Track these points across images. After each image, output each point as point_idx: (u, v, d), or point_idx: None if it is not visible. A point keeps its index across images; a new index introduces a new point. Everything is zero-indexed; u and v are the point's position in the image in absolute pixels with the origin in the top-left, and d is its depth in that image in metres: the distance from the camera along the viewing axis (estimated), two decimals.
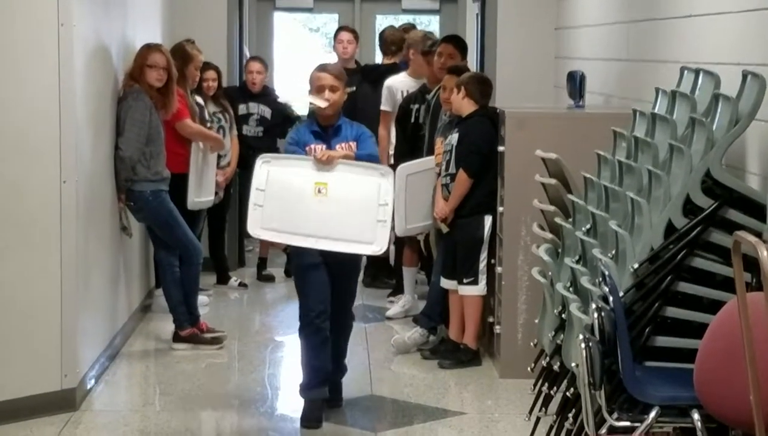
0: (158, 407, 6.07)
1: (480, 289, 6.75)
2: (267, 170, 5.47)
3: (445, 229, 6.85)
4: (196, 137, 7.50)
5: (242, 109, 8.93)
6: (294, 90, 10.96)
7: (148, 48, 6.98)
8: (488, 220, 6.73)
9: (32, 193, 5.62)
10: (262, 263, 9.19)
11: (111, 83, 6.85)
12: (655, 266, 4.31)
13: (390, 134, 8.24)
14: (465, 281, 6.75)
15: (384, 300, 8.47)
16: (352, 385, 6.41)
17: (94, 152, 6.35)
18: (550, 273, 5.29)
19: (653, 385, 4.04)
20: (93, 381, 6.21)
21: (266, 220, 5.40)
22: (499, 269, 6.63)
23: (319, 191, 5.41)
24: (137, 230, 7.34)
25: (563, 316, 4.99)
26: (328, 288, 5.66)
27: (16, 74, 5.52)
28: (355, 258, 5.82)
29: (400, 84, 8.19)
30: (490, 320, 6.89)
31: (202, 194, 7.71)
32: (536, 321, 5.50)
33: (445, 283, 6.94)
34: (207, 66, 8.30)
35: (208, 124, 7.95)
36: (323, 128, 5.72)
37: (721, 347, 3.69)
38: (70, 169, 5.75)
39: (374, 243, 5.41)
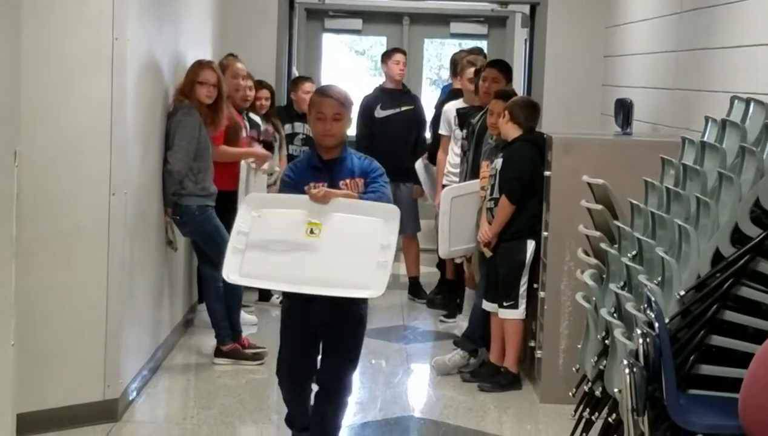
0: (198, 421, 6.10)
1: (520, 313, 6.75)
2: (252, 215, 4.80)
3: (488, 253, 6.86)
4: (235, 159, 7.49)
5: (288, 128, 8.99)
6: None
7: (200, 64, 7.05)
8: (530, 244, 6.73)
9: (81, 205, 5.68)
10: None
11: (161, 98, 6.92)
12: (702, 294, 4.29)
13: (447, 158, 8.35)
14: (505, 304, 6.75)
15: (424, 319, 8.48)
16: (391, 405, 6.43)
17: (143, 166, 6.42)
18: (594, 298, 5.29)
19: (697, 413, 4.02)
20: (135, 393, 6.25)
21: (245, 266, 4.71)
22: (542, 294, 6.62)
23: (312, 232, 4.70)
24: (182, 244, 7.39)
25: (606, 341, 4.98)
26: (312, 351, 4.98)
27: (70, 86, 5.59)
28: (356, 310, 4.91)
29: (453, 109, 8.31)
30: (532, 344, 6.87)
31: None
32: (578, 346, 5.49)
33: (487, 306, 6.94)
34: (261, 85, 8.41)
35: (273, 142, 8.12)
36: (325, 163, 4.91)
37: (766, 375, 3.67)
38: (119, 181, 5.81)
39: (371, 287, 4.63)
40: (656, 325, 4.09)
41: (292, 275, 4.62)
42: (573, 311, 6.38)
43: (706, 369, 4.29)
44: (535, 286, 6.77)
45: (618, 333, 4.51)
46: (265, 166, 7.78)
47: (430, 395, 6.79)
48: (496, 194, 6.77)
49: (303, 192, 4.77)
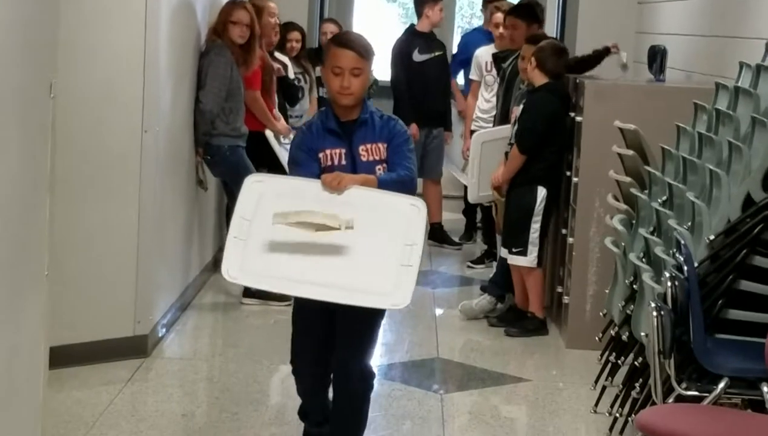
0: (226, 358, 6.16)
1: (529, 260, 6.75)
2: (258, 195, 4.13)
3: (497, 196, 6.89)
4: (258, 113, 7.42)
5: (318, 71, 8.98)
6: None
7: (233, 4, 7.04)
8: (541, 192, 6.72)
9: (114, 141, 5.70)
10: None
11: (194, 37, 6.93)
12: (731, 239, 4.30)
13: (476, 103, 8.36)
14: (514, 250, 6.77)
15: (450, 265, 8.51)
16: (418, 347, 6.48)
17: (175, 104, 6.44)
18: (623, 243, 5.29)
19: (723, 356, 4.04)
20: (164, 330, 6.31)
21: (248, 260, 4.00)
22: (570, 240, 6.62)
23: (324, 225, 3.97)
24: (212, 185, 7.43)
25: (634, 286, 4.99)
26: (329, 339, 4.32)
27: (104, 24, 5.61)
28: None
29: (485, 54, 8.30)
30: (559, 290, 6.89)
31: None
32: (606, 291, 5.51)
33: (503, 252, 6.98)
34: (292, 27, 8.39)
35: (294, 82, 8.07)
36: (342, 125, 4.25)
37: None
38: (152, 119, 5.84)
39: (394, 295, 3.91)
40: (685, 268, 4.10)
41: (301, 276, 3.95)
42: (601, 257, 6.38)
43: (734, 314, 4.30)
44: (564, 232, 6.78)
45: (646, 277, 4.52)
46: (286, 140, 7.81)
47: (456, 338, 6.83)
48: (512, 141, 6.79)
49: (317, 159, 4.18)
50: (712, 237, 4.32)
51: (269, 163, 7.50)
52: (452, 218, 9.56)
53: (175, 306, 6.62)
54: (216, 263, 7.90)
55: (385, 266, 3.92)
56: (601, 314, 5.58)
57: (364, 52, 4.19)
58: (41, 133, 3.79)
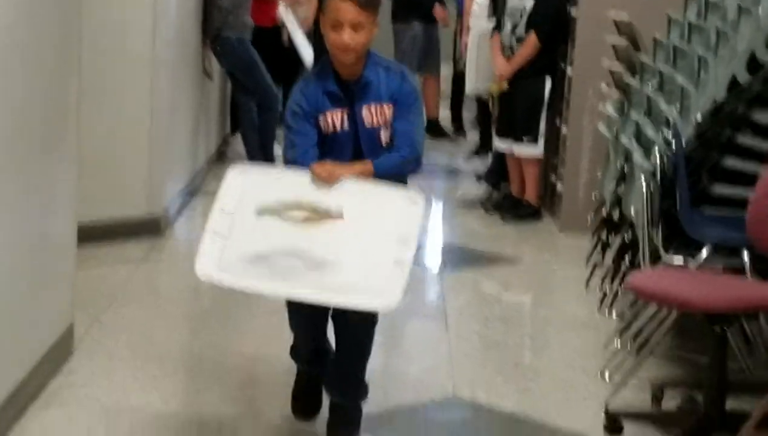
0: None
1: (538, 150, 7.01)
2: (242, 187, 3.67)
3: (503, 87, 7.08)
4: None
5: None
6: None
7: None
8: (548, 82, 6.96)
9: (128, 29, 5.92)
10: None
11: None
12: (717, 118, 4.55)
13: None
14: (525, 139, 7.00)
15: (447, 158, 8.78)
16: None
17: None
18: (615, 128, 5.56)
19: (707, 226, 4.32)
20: (175, 213, 6.59)
21: (227, 259, 3.55)
22: (564, 129, 6.89)
23: (310, 218, 3.62)
24: (216, 76, 7.67)
25: (625, 168, 5.26)
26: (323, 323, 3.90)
27: None
28: None
29: None
30: (553, 178, 7.17)
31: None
32: (598, 175, 5.78)
33: (498, 143, 7.22)
34: None
35: None
36: (343, 85, 3.74)
37: None
38: (162, 8, 6.05)
39: (384, 294, 3.51)
40: (673, 144, 4.36)
41: (285, 276, 3.53)
42: (594, 146, 6.65)
43: (718, 189, 4.57)
44: (558, 122, 7.03)
45: (637, 156, 4.79)
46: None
47: (453, 224, 7.13)
48: (519, 32, 6.97)
49: (316, 124, 3.72)
50: (699, 117, 4.56)
51: (272, 59, 7.74)
52: (449, 115, 9.82)
53: (184, 191, 6.89)
54: (220, 155, 8.18)
55: (375, 264, 3.54)
56: (593, 196, 5.87)
57: (365, 2, 3.64)
58: (72, 19, 4.01)
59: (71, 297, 4.52)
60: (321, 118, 3.71)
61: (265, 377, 4.48)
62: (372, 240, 3.59)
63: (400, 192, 3.66)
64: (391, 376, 4.57)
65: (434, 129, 9.41)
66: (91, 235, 5.83)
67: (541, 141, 7.00)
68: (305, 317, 3.80)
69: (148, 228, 6.14)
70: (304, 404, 3.95)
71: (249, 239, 3.56)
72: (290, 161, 3.72)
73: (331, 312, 3.78)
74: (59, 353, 4.29)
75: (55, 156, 4.24)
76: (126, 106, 5.98)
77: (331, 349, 3.93)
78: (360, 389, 3.90)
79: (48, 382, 4.12)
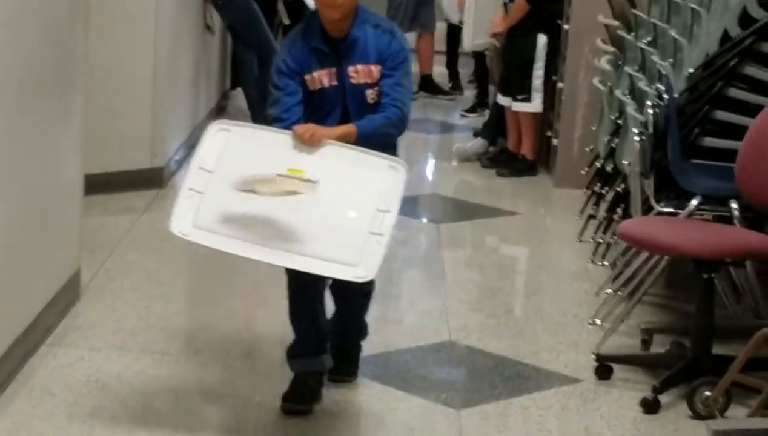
0: None
1: (534, 106, 7.12)
2: (222, 144, 3.61)
3: (496, 43, 7.18)
4: None
5: None
6: None
7: None
8: (542, 39, 7.05)
9: None
10: None
11: None
12: (709, 72, 4.66)
13: None
14: (518, 97, 7.12)
15: (443, 114, 8.89)
16: (415, 186, 6.90)
17: None
18: (609, 83, 5.67)
19: (697, 176, 4.44)
20: (177, 165, 6.70)
21: (203, 216, 3.52)
22: (560, 85, 6.99)
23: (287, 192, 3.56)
24: (217, 32, 7.76)
25: (619, 122, 5.38)
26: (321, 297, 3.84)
27: None
28: None
29: None
30: (548, 134, 7.28)
31: None
32: (593, 128, 5.90)
33: (500, 99, 7.34)
34: None
35: None
36: (331, 43, 3.70)
37: (760, 141, 4.08)
38: None
39: (359, 265, 3.46)
40: (665, 97, 4.48)
41: (260, 238, 3.49)
42: (589, 101, 6.75)
43: (709, 141, 4.68)
44: (554, 78, 7.14)
45: (630, 109, 4.90)
46: None
47: (451, 178, 7.25)
48: None
49: (302, 83, 3.69)
50: (691, 70, 4.68)
51: (273, 14, 7.83)
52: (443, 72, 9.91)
53: (185, 145, 6.98)
54: (220, 110, 8.28)
55: (352, 233, 3.48)
56: (587, 149, 5.99)
57: None
58: None
59: (78, 244, 4.65)
60: (308, 77, 3.68)
61: (267, 312, 4.60)
62: (350, 209, 3.53)
63: (381, 160, 3.57)
64: (390, 321, 4.72)
65: (429, 85, 9.50)
66: (95, 185, 5.95)
67: (537, 97, 7.10)
68: (301, 290, 3.72)
69: (151, 179, 6.25)
70: (298, 399, 3.76)
71: (226, 198, 3.50)
72: (274, 118, 3.68)
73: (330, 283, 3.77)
74: (67, 296, 4.43)
75: (64, 107, 4.36)
76: (130, 61, 6.06)
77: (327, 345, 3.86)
78: (360, 333, 4.06)
79: (57, 323, 4.27)
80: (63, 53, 4.29)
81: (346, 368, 4.00)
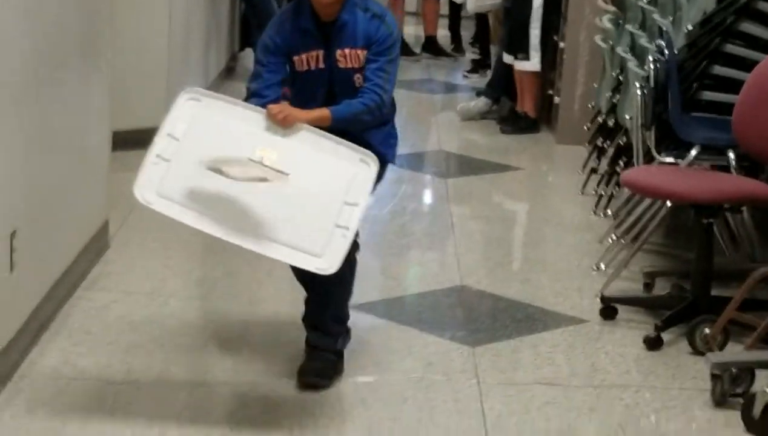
0: None
1: (532, 65, 7.32)
2: (192, 113, 3.55)
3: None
4: None
5: None
6: None
7: None
8: None
9: None
10: None
11: None
12: (707, 29, 4.87)
13: None
14: (518, 56, 7.34)
15: (446, 74, 9.08)
16: (421, 142, 7.13)
17: None
18: (610, 41, 5.88)
19: (696, 128, 4.66)
20: None
21: (168, 185, 3.43)
22: (561, 44, 7.19)
23: (261, 162, 3.47)
24: None
25: (620, 78, 5.59)
26: None
27: None
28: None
29: None
30: (550, 92, 7.49)
31: None
32: (595, 85, 6.11)
33: (506, 57, 7.55)
34: None
35: None
36: (320, 26, 3.64)
37: (756, 94, 4.29)
38: None
39: (323, 256, 3.39)
40: (666, 52, 4.69)
41: (224, 215, 3.41)
42: (590, 60, 6.96)
43: (707, 95, 4.90)
44: (555, 38, 7.34)
45: (631, 65, 5.11)
46: None
47: (455, 136, 7.47)
48: None
49: (289, 61, 3.64)
50: (690, 27, 4.89)
51: None
52: (446, 34, 10.12)
53: None
54: (229, 71, 8.48)
55: (318, 224, 3.41)
56: (589, 106, 6.20)
57: None
58: None
59: (106, 195, 4.87)
60: (296, 58, 3.62)
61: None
62: (318, 199, 3.45)
63: (354, 153, 3.50)
64: (402, 268, 4.95)
65: (432, 47, 9.71)
66: (115, 143, 6.17)
67: (536, 56, 7.30)
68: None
69: None
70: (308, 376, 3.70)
71: (194, 172, 3.39)
72: (252, 92, 3.62)
73: None
74: (98, 245, 4.66)
75: (91, 66, 4.56)
76: (146, 23, 6.26)
77: None
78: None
79: (90, 269, 4.50)
80: (91, 17, 4.49)
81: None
